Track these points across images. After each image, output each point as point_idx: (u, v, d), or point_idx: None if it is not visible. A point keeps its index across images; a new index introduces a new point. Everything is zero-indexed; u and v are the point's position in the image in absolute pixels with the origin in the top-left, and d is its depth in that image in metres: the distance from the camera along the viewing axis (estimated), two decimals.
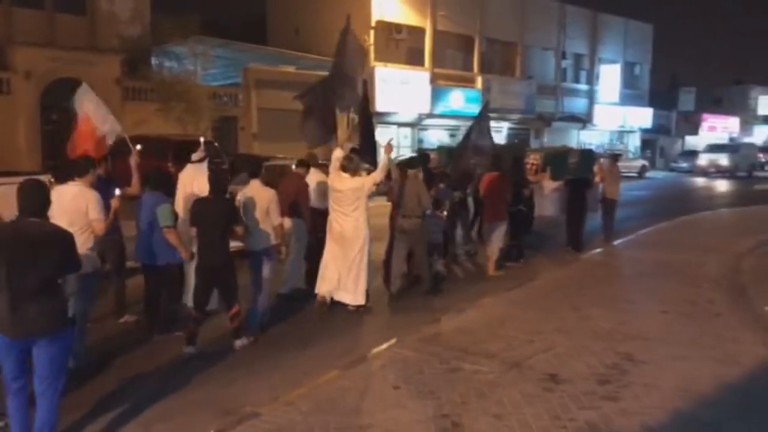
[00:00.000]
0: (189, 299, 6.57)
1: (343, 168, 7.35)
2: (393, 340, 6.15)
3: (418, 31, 30.24)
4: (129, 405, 4.84)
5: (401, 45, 29.65)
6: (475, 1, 31.99)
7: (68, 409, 4.48)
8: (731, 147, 38.05)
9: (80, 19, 23.43)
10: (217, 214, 5.89)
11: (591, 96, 39.51)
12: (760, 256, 10.44)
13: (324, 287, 7.42)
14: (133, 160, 6.82)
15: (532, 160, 11.79)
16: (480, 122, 10.33)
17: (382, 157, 7.66)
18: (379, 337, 6.31)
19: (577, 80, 39.34)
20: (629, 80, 42.10)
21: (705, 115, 48.64)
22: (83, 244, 5.23)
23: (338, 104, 8.23)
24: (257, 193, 6.63)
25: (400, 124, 29.79)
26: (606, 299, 7.78)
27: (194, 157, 7.26)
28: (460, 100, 31.08)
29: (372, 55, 28.00)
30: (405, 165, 8.43)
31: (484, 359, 5.57)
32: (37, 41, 21.04)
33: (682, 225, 14.72)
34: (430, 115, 30.20)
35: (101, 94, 22.74)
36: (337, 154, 7.59)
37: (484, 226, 9.85)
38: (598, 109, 39.31)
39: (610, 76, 40.49)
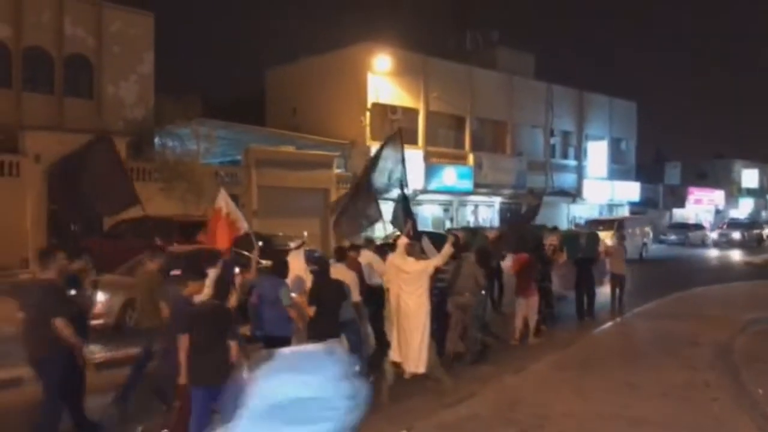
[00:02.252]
0: None
1: (408, 253, 8.34)
2: (410, 428, 6.45)
3: (412, 112, 31.46)
4: None
5: (396, 125, 30.67)
6: (465, 83, 33.41)
7: None
8: (609, 223, 29.05)
9: (87, 103, 24.39)
10: (332, 293, 7.22)
11: (580, 171, 40.66)
12: (751, 336, 10.86)
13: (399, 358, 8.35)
14: (254, 253, 7.88)
15: (551, 241, 12.81)
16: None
17: (445, 247, 8.62)
18: (396, 423, 6.60)
19: (565, 156, 40.60)
20: (616, 155, 43.42)
21: (691, 188, 49.96)
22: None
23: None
24: (342, 275, 7.99)
25: (396, 200, 30.46)
26: (609, 382, 8.13)
27: (293, 245, 8.84)
28: (452, 177, 31.98)
29: (368, 134, 29.04)
30: (458, 248, 9.54)
31: None
32: (46, 125, 21.81)
33: (679, 300, 15.22)
34: (425, 191, 30.98)
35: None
36: (402, 241, 8.63)
37: (518, 300, 10.88)
38: (587, 184, 40.40)
39: (597, 152, 41.83)
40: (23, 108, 22.50)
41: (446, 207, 33.44)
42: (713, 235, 40.98)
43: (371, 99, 29.38)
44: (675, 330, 11.51)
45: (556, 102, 38.73)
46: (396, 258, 8.51)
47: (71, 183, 7.45)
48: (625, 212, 43.52)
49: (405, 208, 10.18)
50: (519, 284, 10.93)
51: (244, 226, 8.31)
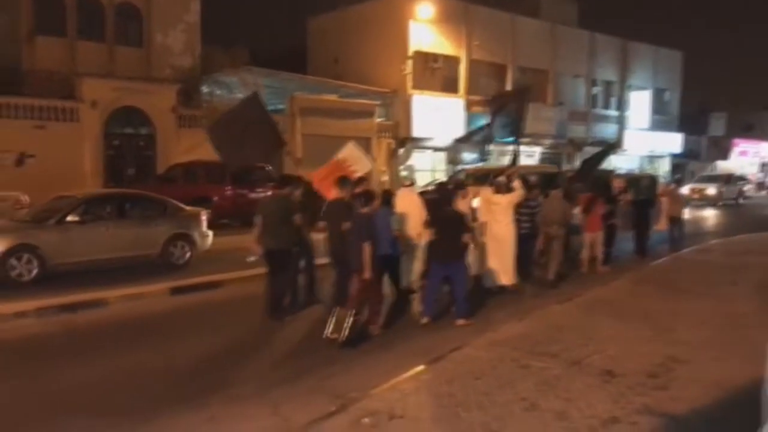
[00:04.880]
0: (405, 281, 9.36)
1: (496, 190, 10.26)
2: (465, 343, 7.05)
3: (453, 60, 31.37)
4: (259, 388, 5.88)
5: (437, 73, 30.78)
6: (507, 32, 33.12)
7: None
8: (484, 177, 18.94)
9: (137, 50, 25.00)
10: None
11: (621, 122, 40.20)
12: None
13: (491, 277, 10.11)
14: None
15: (617, 183, 13.91)
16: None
17: (515, 184, 10.30)
18: (451, 341, 7.20)
19: (607, 106, 40.09)
20: (659, 106, 42.70)
21: (736, 140, 48.93)
22: None
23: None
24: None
25: (436, 149, 30.81)
26: (650, 312, 8.59)
27: (406, 182, 10.99)
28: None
29: (409, 83, 29.22)
30: (545, 186, 11.63)
31: (547, 358, 6.45)
32: (99, 72, 22.53)
33: (720, 245, 15.52)
34: (465, 140, 31.13)
35: (159, 122, 24.25)
36: (499, 180, 10.43)
37: (584, 235, 12.20)
38: (628, 135, 39.95)
39: (639, 103, 41.15)
40: (77, 56, 23.24)
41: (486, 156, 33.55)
42: (684, 191, 35.56)
43: (413, 47, 29.39)
44: (724, 267, 12.05)
45: (599, 51, 38.13)
46: (487, 192, 10.22)
47: (232, 134, 9.18)
48: (666, 164, 43.07)
49: (515, 153, 13.14)
50: (585, 221, 12.12)
51: (363, 169, 9.82)
